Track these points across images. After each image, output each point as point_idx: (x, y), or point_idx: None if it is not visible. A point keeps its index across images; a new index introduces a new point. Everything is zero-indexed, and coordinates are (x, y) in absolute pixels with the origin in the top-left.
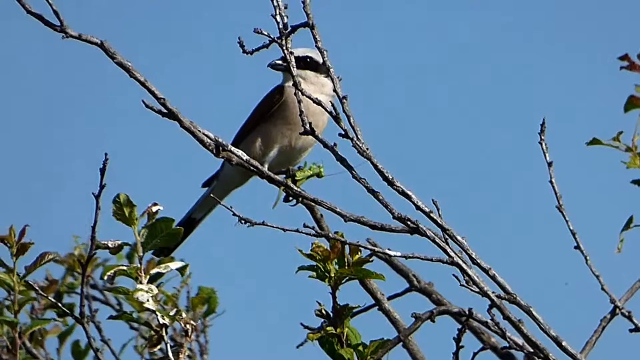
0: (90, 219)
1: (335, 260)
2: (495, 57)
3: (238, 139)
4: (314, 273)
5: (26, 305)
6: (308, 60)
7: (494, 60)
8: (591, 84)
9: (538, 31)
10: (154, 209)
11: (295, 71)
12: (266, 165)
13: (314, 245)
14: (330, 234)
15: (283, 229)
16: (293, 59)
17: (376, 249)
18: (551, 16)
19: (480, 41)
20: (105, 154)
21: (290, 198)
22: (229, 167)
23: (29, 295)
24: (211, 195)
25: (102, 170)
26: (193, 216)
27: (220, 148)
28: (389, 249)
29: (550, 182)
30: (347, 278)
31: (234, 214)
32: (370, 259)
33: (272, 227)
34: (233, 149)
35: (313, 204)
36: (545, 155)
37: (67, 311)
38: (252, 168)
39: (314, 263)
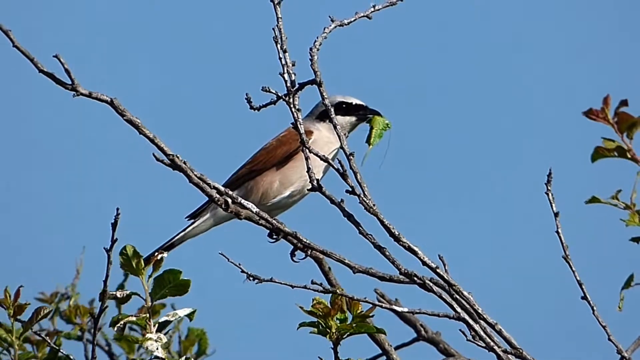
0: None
1: (337, 315)
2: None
3: (246, 175)
4: (315, 329)
5: None
6: (344, 106)
7: (494, 108)
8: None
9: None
10: (159, 257)
11: (302, 128)
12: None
13: (314, 302)
14: (338, 290)
15: (291, 286)
16: (300, 116)
17: (383, 304)
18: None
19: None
20: (117, 209)
21: (296, 253)
22: None
23: (25, 351)
24: (220, 253)
25: (114, 225)
26: (175, 243)
27: (230, 201)
28: (396, 300)
29: (557, 232)
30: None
31: (242, 271)
32: (371, 314)
33: (281, 283)
34: (243, 201)
35: (321, 256)
36: (551, 206)
37: None
38: (261, 222)
39: (315, 319)
